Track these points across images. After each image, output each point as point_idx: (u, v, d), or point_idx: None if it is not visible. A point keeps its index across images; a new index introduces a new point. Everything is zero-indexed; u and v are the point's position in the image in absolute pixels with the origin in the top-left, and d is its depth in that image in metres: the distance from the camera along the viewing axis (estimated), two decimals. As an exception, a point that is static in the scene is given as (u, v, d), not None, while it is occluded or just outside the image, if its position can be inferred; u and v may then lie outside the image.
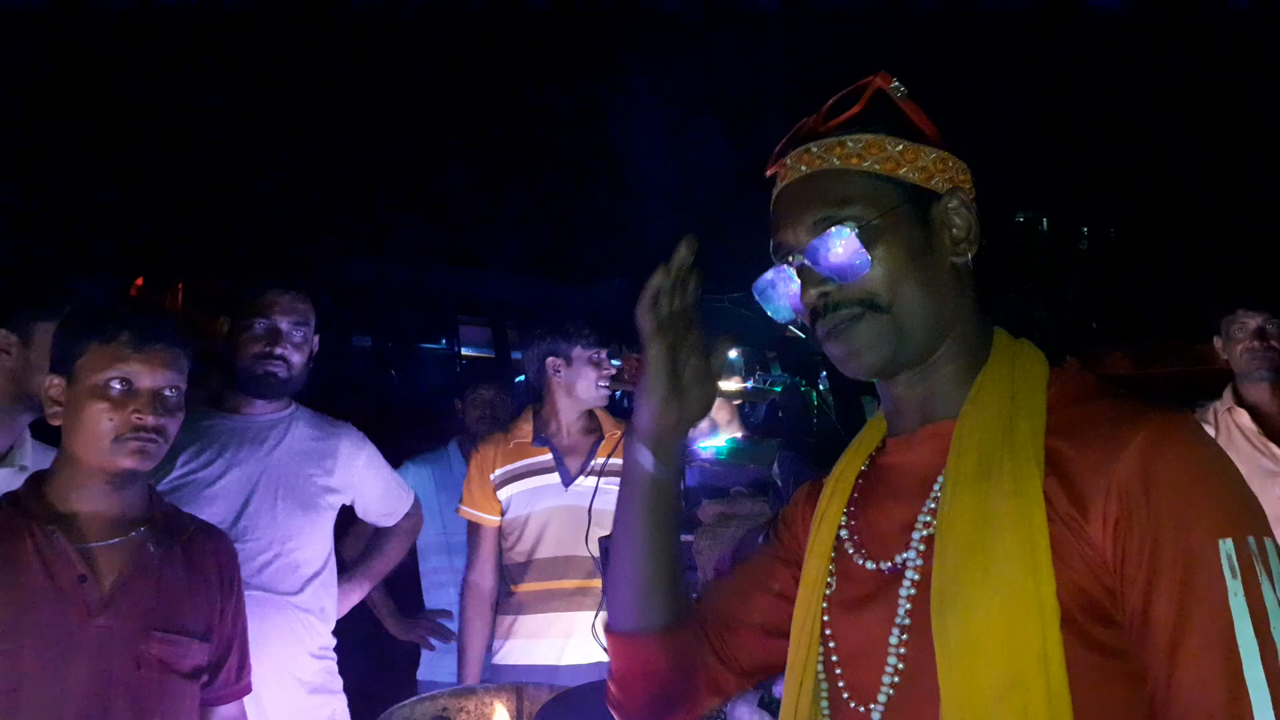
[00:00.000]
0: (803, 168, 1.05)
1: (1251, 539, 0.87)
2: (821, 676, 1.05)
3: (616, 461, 2.75)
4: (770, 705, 1.47)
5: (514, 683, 1.88)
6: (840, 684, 1.03)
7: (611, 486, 2.72)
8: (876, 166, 1.02)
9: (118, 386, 1.58)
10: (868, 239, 0.99)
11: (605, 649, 1.73)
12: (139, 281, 5.80)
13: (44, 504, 1.60)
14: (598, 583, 2.53)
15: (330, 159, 7.92)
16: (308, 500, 2.34)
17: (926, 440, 1.04)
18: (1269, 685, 0.83)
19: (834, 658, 1.04)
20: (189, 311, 5.65)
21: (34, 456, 2.01)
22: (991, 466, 0.94)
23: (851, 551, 1.05)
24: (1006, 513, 0.91)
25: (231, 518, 2.24)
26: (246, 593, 2.12)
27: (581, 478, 2.75)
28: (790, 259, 1.04)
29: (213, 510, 2.21)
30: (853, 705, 1.01)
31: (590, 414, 2.89)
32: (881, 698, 0.97)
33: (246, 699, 2.05)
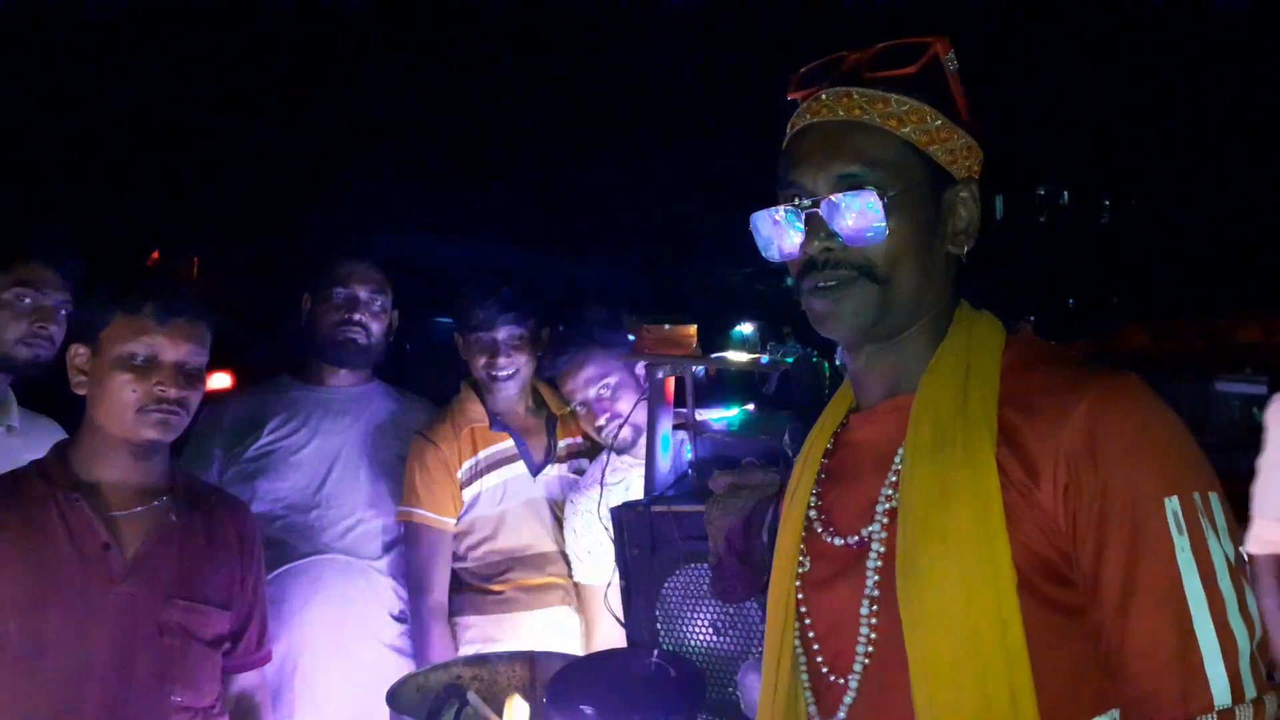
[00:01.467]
0: (840, 112, 1.02)
1: (1197, 495, 0.89)
2: (800, 652, 1.08)
3: (574, 441, 2.45)
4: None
5: (527, 651, 1.90)
6: (819, 659, 1.05)
7: (577, 474, 2.42)
8: (913, 137, 1.00)
9: (142, 358, 1.61)
10: (887, 209, 0.98)
11: (618, 619, 1.76)
12: (155, 255, 5.86)
13: (69, 473, 1.63)
14: (563, 579, 2.34)
15: (343, 134, 7.93)
16: (388, 470, 2.40)
17: (888, 414, 1.06)
18: (1218, 637, 0.86)
19: (810, 634, 1.07)
20: (205, 285, 5.71)
21: (21, 419, 2.05)
22: (946, 437, 0.96)
23: (820, 530, 1.07)
24: (961, 482, 0.93)
25: (316, 485, 2.33)
26: (330, 556, 2.27)
27: (549, 466, 2.40)
28: (798, 202, 1.01)
29: (298, 477, 2.32)
30: (831, 679, 1.03)
31: (534, 390, 2.49)
32: (857, 668, 1.00)
33: (335, 652, 2.18)
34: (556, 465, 2.43)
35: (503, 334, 2.34)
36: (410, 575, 2.34)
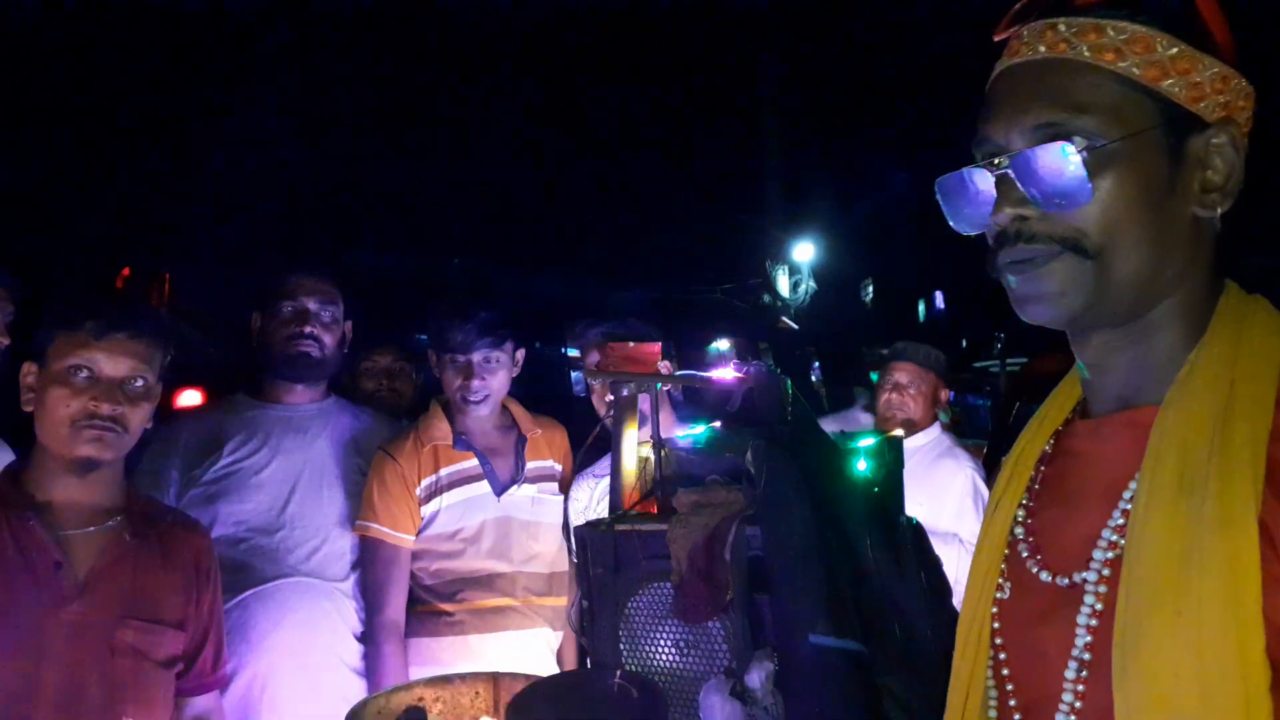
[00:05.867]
0: (1041, 48, 0.83)
1: None
2: (990, 685, 0.92)
3: (544, 464, 2.43)
4: (742, 695, 1.47)
5: (490, 671, 1.89)
6: (1011, 701, 0.90)
7: (546, 495, 2.42)
8: (1136, 70, 0.80)
9: (79, 374, 1.59)
10: (1097, 164, 0.79)
11: (580, 637, 1.74)
12: (125, 272, 5.82)
13: (21, 492, 1.61)
14: (528, 600, 2.35)
15: (301, 156, 7.89)
16: (351, 488, 2.36)
17: (1121, 430, 0.85)
18: None
19: (1005, 670, 0.91)
20: (175, 303, 5.68)
21: None
22: (1195, 480, 0.75)
23: (1026, 554, 0.90)
24: (1209, 545, 0.73)
25: (279, 506, 2.28)
26: (296, 579, 2.23)
27: (515, 487, 2.39)
28: (994, 162, 0.84)
29: (261, 498, 2.27)
30: None
31: (504, 408, 2.49)
32: None
33: (303, 678, 2.15)
34: (524, 485, 2.40)
35: (478, 356, 2.33)
36: (365, 591, 2.32)
